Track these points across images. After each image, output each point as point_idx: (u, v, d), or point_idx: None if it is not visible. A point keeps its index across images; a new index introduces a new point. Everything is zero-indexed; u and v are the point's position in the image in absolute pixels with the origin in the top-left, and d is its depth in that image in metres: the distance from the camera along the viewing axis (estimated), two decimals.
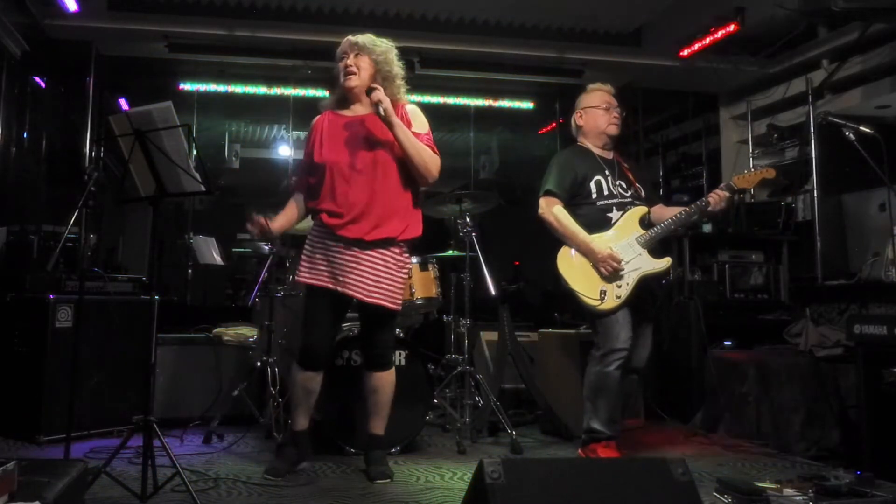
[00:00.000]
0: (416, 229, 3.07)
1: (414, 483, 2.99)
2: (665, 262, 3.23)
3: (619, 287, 3.18)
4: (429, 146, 3.01)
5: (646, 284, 3.23)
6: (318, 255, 2.98)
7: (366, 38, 3.05)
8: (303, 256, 3.04)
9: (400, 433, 3.48)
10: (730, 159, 6.12)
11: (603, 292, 3.17)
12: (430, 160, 2.98)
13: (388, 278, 2.97)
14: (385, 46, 3.07)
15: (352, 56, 3.01)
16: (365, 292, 2.93)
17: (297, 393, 3.08)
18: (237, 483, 2.89)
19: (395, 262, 3.00)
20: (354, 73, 2.99)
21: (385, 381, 3.09)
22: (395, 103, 3.01)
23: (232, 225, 6.23)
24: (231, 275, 6.46)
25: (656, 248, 3.26)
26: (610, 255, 3.16)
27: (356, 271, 2.93)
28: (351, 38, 3.06)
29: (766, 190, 5.69)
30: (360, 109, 3.07)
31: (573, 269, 3.25)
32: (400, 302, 3.04)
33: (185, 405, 4.10)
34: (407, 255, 3.09)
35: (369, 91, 2.94)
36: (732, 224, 5.15)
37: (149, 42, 5.05)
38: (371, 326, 3.08)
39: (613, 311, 3.16)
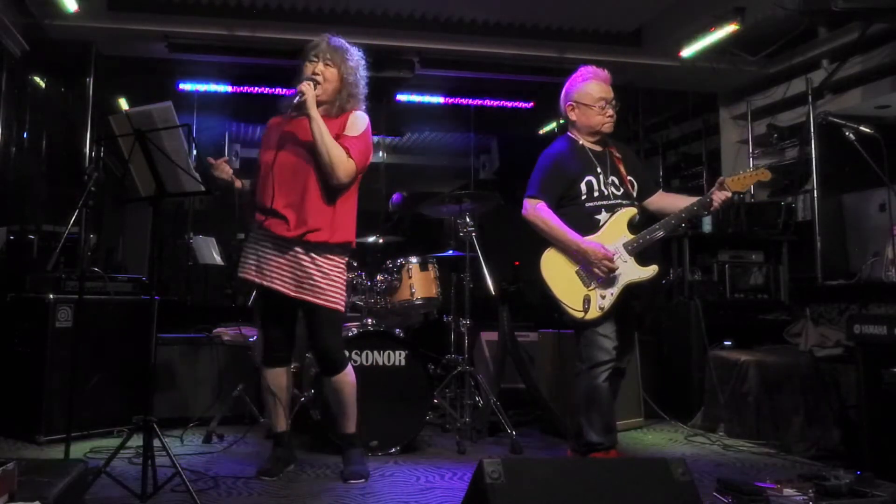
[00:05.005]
0: (346, 233, 3.00)
1: (414, 483, 2.98)
2: (651, 271, 3.07)
3: (604, 298, 3.03)
4: (348, 148, 2.92)
5: (630, 292, 3.08)
6: (248, 250, 3.02)
7: (343, 49, 2.99)
8: (241, 252, 3.08)
9: (400, 433, 3.49)
10: (730, 159, 6.11)
11: (586, 301, 3.02)
12: (336, 159, 2.87)
13: (318, 276, 2.91)
14: (357, 58, 3.04)
15: (321, 63, 2.96)
16: (292, 289, 2.91)
17: (268, 391, 3.07)
18: (237, 483, 2.89)
19: (325, 262, 2.94)
20: (319, 83, 2.91)
21: (343, 383, 3.02)
22: (347, 111, 3.00)
23: (232, 225, 6.22)
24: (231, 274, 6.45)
25: (644, 253, 3.10)
26: (605, 256, 2.99)
27: (282, 267, 2.93)
28: (329, 42, 2.99)
29: (767, 189, 5.69)
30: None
31: (556, 274, 3.10)
32: (336, 300, 2.95)
33: (185, 405, 4.11)
34: (341, 257, 3.01)
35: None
36: (732, 224, 5.15)
37: (149, 42, 5.05)
38: (311, 327, 2.99)
39: (597, 322, 3.03)
